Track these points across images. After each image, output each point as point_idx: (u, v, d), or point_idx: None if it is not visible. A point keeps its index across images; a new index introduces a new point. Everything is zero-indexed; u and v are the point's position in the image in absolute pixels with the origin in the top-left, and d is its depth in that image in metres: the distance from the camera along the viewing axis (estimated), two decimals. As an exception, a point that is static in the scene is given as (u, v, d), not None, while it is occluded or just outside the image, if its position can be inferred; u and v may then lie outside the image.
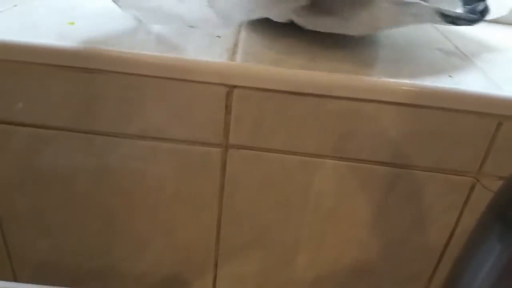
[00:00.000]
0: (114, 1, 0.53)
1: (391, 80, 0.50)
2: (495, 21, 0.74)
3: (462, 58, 0.58)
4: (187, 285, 0.68)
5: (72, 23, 0.56)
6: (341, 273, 0.64)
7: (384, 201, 0.57)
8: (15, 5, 0.59)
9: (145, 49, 0.51)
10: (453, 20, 0.52)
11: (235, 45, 0.54)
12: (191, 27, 0.55)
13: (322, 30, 0.52)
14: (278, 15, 0.52)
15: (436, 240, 0.60)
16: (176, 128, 0.54)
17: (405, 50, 0.59)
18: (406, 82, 0.50)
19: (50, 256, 0.66)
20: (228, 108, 0.53)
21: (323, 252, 0.63)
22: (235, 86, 0.51)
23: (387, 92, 0.50)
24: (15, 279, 0.69)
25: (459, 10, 0.56)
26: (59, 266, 0.67)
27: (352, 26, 0.50)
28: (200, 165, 0.57)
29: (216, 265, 0.66)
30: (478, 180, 0.55)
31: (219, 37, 0.55)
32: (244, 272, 0.66)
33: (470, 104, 0.50)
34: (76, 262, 0.66)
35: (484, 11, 0.55)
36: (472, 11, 0.55)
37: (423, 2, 0.51)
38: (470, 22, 0.53)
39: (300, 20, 0.52)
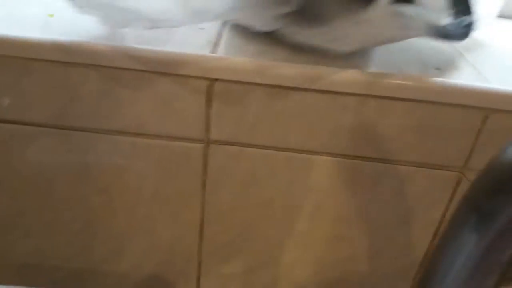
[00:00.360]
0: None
1: (376, 72, 0.49)
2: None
3: (451, 50, 0.57)
4: (171, 285, 0.66)
5: (52, 15, 0.54)
6: (327, 271, 0.63)
7: (370, 197, 0.56)
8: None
9: (124, 41, 0.49)
10: (444, 35, 0.51)
11: (218, 37, 0.53)
12: (158, 27, 0.50)
13: (307, 43, 0.49)
14: (259, 23, 0.50)
15: (422, 237, 0.59)
16: (156, 123, 0.53)
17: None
18: (391, 75, 0.49)
19: (30, 257, 0.64)
20: (209, 102, 0.51)
21: (308, 250, 0.62)
22: (216, 79, 0.50)
23: (372, 86, 0.49)
24: (-6, 281, 0.67)
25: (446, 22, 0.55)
26: (39, 267, 0.65)
27: (340, 41, 0.48)
28: (181, 161, 0.55)
29: (199, 264, 0.64)
30: (464, 175, 0.54)
31: (203, 28, 0.54)
32: (228, 271, 0.65)
33: (456, 97, 0.49)
34: (57, 263, 0.65)
35: (472, 25, 0.54)
36: (459, 25, 0.54)
37: (417, 15, 0.50)
38: (460, 38, 0.53)
39: (285, 30, 0.49)
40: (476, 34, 0.63)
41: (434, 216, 0.57)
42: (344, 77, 0.49)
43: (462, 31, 0.52)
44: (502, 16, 0.70)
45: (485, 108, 0.50)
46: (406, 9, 0.49)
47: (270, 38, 0.52)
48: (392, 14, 0.49)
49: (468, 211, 0.35)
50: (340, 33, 0.48)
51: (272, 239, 0.61)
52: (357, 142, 0.53)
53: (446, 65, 0.53)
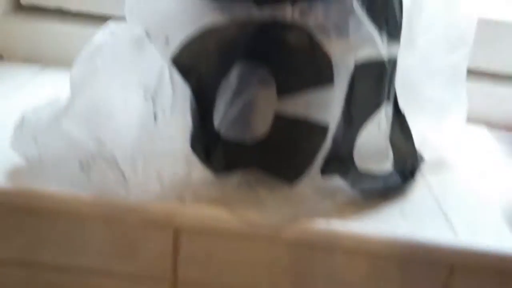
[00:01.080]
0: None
1: (340, 229, 0.49)
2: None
3: (416, 183, 0.57)
4: None
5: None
6: None
7: None
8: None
9: (87, 189, 0.49)
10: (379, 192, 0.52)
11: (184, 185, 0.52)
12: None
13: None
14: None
15: None
16: (123, 266, 0.52)
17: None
18: (356, 231, 0.49)
19: None
20: (176, 248, 0.51)
21: None
22: (181, 228, 0.50)
23: (335, 239, 0.49)
24: None
25: (388, 166, 0.56)
26: None
27: (274, 215, 0.49)
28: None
29: None
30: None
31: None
32: None
33: (422, 254, 0.49)
34: None
35: (414, 171, 0.55)
36: (402, 171, 0.55)
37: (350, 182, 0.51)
38: (398, 188, 0.54)
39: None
40: (444, 153, 0.63)
41: None
42: (309, 229, 0.49)
43: (400, 184, 0.53)
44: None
45: (450, 264, 0.50)
46: (336, 180, 0.51)
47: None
48: (320, 187, 0.50)
49: None
50: (272, 207, 0.49)
51: None
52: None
53: (409, 205, 0.53)
